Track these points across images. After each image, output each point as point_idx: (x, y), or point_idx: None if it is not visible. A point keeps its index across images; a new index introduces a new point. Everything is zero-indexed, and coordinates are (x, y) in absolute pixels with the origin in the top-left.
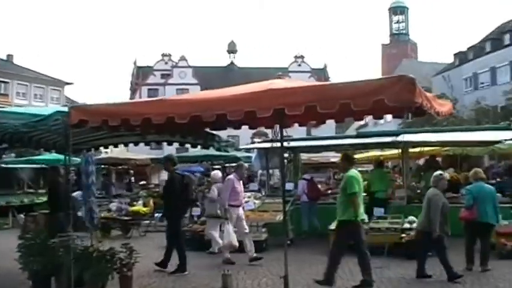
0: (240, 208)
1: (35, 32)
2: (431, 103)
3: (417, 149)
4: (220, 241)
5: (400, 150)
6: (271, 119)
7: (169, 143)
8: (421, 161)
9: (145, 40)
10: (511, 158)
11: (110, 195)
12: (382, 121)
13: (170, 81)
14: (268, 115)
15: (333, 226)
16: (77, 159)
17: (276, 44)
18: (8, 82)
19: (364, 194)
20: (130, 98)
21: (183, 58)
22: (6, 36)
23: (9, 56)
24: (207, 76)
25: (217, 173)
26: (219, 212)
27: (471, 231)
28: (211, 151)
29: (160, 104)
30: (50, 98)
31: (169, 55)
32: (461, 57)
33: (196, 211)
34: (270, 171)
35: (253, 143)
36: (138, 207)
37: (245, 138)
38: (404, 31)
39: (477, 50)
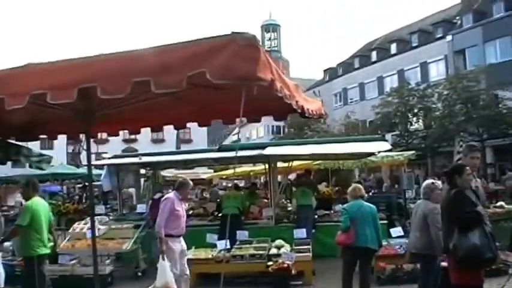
0: (181, 239)
1: None
2: (291, 92)
3: (286, 164)
4: None
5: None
6: (78, 121)
7: None
8: (293, 176)
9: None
10: (381, 171)
11: None
12: (254, 136)
13: None
14: (21, 106)
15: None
16: None
17: None
18: None
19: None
20: None
21: None
22: None
23: None
24: None
25: None
26: None
27: (349, 257)
28: (61, 169)
29: None
30: None
31: None
32: (331, 73)
33: None
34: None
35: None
36: None
37: None
38: (276, 48)
39: (346, 66)
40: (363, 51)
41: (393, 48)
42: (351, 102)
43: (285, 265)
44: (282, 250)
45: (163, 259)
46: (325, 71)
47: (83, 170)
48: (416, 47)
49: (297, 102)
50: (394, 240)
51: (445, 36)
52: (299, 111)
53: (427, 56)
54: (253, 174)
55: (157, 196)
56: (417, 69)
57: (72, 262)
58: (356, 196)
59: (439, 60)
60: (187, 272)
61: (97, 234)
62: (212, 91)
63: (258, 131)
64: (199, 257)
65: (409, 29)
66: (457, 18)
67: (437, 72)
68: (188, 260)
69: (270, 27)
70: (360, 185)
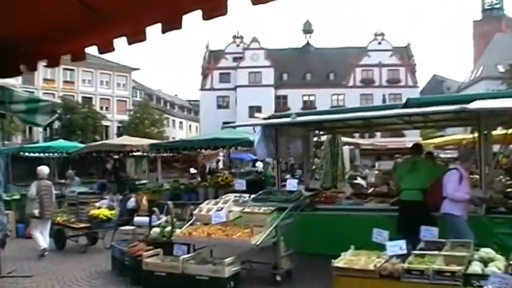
0: None
1: None
2: None
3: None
4: (42, 243)
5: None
6: None
7: None
8: None
9: (218, 23)
10: None
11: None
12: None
13: (242, 64)
14: None
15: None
16: None
17: (354, 22)
18: (73, 70)
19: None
20: (202, 83)
21: (255, 40)
22: None
23: None
24: (281, 58)
25: (42, 169)
26: (35, 211)
27: None
28: (218, 134)
29: None
30: (117, 84)
31: (241, 37)
32: None
33: None
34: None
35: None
36: (100, 210)
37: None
38: (498, 5)
39: None
40: None
41: None
42: None
43: None
44: (490, 268)
45: None
46: None
47: (245, 135)
48: None
49: None
50: None
51: None
52: None
53: None
54: (465, 142)
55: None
56: None
57: (187, 256)
58: None
59: None
60: None
61: (224, 219)
62: None
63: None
64: (354, 265)
65: None
66: None
67: None
68: (337, 268)
69: None
70: None
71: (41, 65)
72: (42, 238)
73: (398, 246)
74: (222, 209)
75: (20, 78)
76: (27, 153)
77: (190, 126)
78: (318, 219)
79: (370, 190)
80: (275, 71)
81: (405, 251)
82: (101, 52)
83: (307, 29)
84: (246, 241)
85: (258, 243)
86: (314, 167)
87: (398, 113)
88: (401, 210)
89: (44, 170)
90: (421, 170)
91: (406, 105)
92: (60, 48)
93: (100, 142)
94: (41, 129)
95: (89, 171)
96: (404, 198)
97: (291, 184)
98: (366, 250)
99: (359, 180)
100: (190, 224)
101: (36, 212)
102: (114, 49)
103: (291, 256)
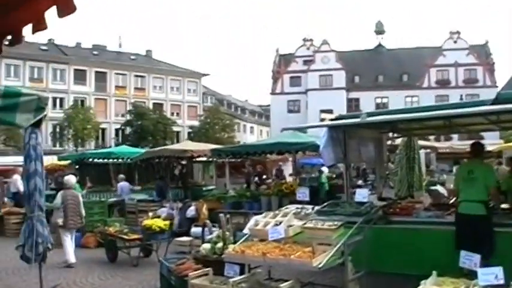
0: None
1: (174, 26)
2: None
3: None
4: (70, 257)
5: None
6: None
7: None
8: None
9: (288, 27)
10: None
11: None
12: None
13: (312, 67)
14: None
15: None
16: None
17: (428, 21)
18: (144, 76)
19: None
20: (272, 88)
21: (325, 42)
22: (147, 32)
23: (149, 52)
24: (353, 60)
25: (69, 179)
26: (59, 221)
27: None
28: (282, 138)
29: None
30: (187, 90)
31: (311, 40)
32: None
33: None
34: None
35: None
36: (154, 220)
37: None
38: None
39: None
40: None
41: None
42: None
43: None
44: None
45: None
46: None
47: (311, 139)
48: None
49: None
50: None
51: None
52: None
53: None
54: None
55: None
56: None
57: (239, 278)
58: None
59: None
60: None
61: (282, 236)
62: None
63: None
64: None
65: None
66: None
67: None
68: None
69: None
70: None
71: (4, 44)
72: (72, 251)
73: (493, 275)
74: (280, 223)
75: (93, 85)
76: (90, 159)
77: (261, 131)
78: (393, 234)
79: (452, 200)
80: (346, 73)
81: (502, 281)
82: (61, 15)
83: (379, 30)
84: (306, 262)
85: (320, 265)
86: (388, 173)
87: (489, 110)
88: (458, 225)
89: (71, 179)
90: (478, 179)
91: (495, 101)
92: (18, 18)
93: (161, 147)
94: (113, 135)
95: (156, 176)
96: (462, 211)
97: (361, 195)
98: (450, 274)
99: (438, 187)
100: (245, 240)
101: (59, 221)
102: (75, 8)
103: (360, 279)
